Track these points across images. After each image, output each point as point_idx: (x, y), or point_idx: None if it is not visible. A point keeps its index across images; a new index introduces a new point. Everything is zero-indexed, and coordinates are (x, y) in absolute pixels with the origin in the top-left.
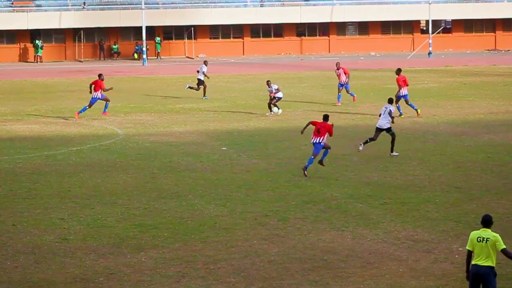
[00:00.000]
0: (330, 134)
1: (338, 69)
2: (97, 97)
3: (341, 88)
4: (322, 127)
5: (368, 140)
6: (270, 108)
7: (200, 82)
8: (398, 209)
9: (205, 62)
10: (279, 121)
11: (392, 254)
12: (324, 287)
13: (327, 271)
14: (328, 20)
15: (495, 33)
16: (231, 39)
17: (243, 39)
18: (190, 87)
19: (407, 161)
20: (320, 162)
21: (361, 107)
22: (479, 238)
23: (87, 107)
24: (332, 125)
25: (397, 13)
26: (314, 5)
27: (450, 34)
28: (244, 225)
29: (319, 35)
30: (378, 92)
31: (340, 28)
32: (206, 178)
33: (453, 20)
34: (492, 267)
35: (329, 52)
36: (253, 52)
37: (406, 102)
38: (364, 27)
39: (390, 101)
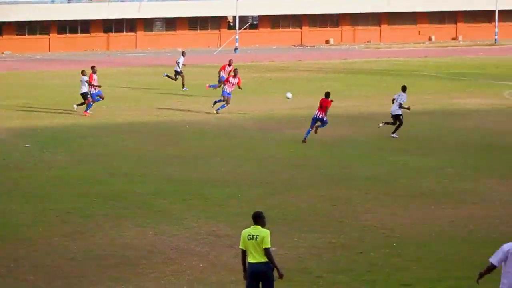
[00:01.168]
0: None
1: None
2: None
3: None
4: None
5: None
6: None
7: (176, 73)
8: (201, 205)
9: (183, 53)
10: (83, 118)
11: (193, 250)
12: (125, 283)
13: (128, 267)
14: (136, 17)
15: (301, 29)
16: (38, 35)
17: (49, 35)
18: (167, 76)
19: (213, 157)
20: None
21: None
22: (249, 236)
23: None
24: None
25: (205, 9)
26: (122, 1)
27: (257, 30)
28: (46, 222)
29: (126, 31)
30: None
31: (148, 24)
32: (8, 175)
33: (260, 16)
34: (267, 263)
35: (136, 48)
36: (60, 49)
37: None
38: (171, 23)
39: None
